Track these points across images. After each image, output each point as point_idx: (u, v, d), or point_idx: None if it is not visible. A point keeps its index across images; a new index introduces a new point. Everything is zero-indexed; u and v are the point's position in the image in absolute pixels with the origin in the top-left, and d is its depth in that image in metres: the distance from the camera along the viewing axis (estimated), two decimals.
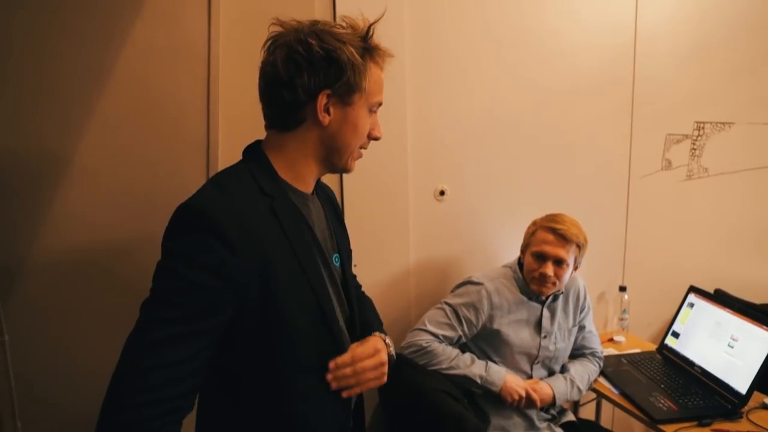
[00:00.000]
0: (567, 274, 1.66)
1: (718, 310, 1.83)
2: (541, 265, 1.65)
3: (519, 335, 1.68)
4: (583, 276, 1.82)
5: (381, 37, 0.96)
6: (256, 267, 0.84)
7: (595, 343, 1.84)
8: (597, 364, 1.81)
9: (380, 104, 0.99)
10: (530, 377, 1.71)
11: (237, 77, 1.55)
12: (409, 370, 1.58)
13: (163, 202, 1.07)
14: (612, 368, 1.87)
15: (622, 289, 2.21)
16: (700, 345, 1.83)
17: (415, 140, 1.84)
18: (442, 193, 1.92)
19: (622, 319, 2.21)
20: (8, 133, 1.43)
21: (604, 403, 2.04)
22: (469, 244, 2.00)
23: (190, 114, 1.57)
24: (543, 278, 1.64)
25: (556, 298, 1.73)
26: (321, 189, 1.10)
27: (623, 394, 1.72)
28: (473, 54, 1.89)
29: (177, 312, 0.78)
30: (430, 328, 1.65)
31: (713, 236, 2.40)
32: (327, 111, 0.92)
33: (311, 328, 0.93)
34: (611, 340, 2.15)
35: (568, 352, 1.80)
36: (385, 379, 1.02)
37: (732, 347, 1.71)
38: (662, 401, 1.64)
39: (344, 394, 0.97)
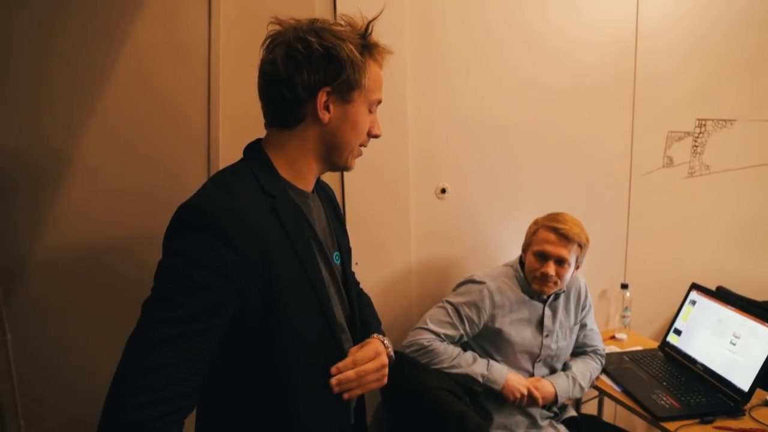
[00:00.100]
0: (568, 273, 1.66)
1: (720, 307, 1.83)
2: (542, 264, 1.65)
3: (521, 334, 1.68)
4: (584, 274, 1.82)
5: (381, 35, 0.96)
6: (257, 266, 0.84)
7: (597, 340, 1.84)
8: (599, 362, 1.80)
9: (380, 102, 0.99)
10: (532, 375, 1.71)
11: (238, 76, 1.55)
12: (410, 369, 1.58)
13: (164, 200, 1.07)
14: (614, 366, 1.87)
15: (624, 286, 2.20)
16: (703, 342, 1.83)
17: (416, 138, 1.84)
18: (443, 191, 1.92)
19: (624, 317, 2.20)
20: (10, 133, 1.43)
21: (606, 401, 2.04)
22: (471, 242, 2.00)
23: (190, 112, 1.57)
24: (544, 278, 1.64)
25: (557, 296, 1.73)
26: (320, 187, 1.10)
27: (625, 391, 1.72)
28: (474, 51, 1.89)
29: (179, 311, 0.78)
30: (431, 327, 1.65)
31: (715, 233, 2.40)
32: (327, 108, 0.92)
33: (312, 327, 0.93)
34: (613, 337, 2.15)
35: (569, 351, 1.80)
36: (386, 380, 1.02)
37: (734, 345, 1.70)
38: (664, 399, 1.63)
39: (345, 396, 0.97)
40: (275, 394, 0.92)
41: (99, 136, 1.49)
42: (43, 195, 1.48)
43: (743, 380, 1.61)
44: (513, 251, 1.84)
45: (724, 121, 2.31)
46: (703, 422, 1.52)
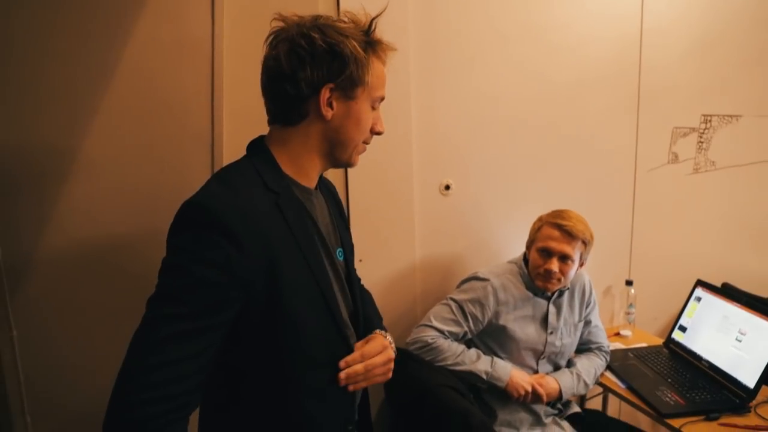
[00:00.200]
0: (572, 270, 1.65)
1: (725, 303, 1.82)
2: (546, 261, 1.64)
3: (525, 331, 1.68)
4: (589, 270, 1.81)
5: (385, 32, 0.96)
6: (261, 263, 0.84)
7: (602, 337, 1.83)
8: (603, 359, 1.80)
9: (383, 99, 0.99)
10: (536, 372, 1.71)
11: (241, 73, 1.55)
12: (414, 365, 1.58)
13: (167, 197, 1.07)
14: (619, 362, 1.86)
15: (629, 283, 2.20)
16: (708, 339, 1.82)
17: (420, 135, 1.83)
18: (447, 187, 1.91)
19: (628, 314, 2.20)
20: (13, 130, 1.44)
21: (611, 397, 2.03)
22: (475, 239, 2.00)
23: (194, 109, 1.57)
24: (548, 274, 1.63)
25: (561, 293, 1.72)
26: (323, 184, 1.10)
27: (630, 388, 1.71)
28: (478, 47, 1.88)
29: (183, 309, 0.78)
30: (435, 324, 1.65)
31: (720, 230, 2.39)
32: (330, 105, 0.91)
33: (316, 323, 0.93)
34: (618, 334, 2.14)
35: (574, 348, 1.79)
36: (391, 374, 1.03)
37: (740, 341, 1.70)
38: (669, 395, 1.63)
39: (351, 388, 0.97)
40: (279, 389, 0.92)
41: (102, 133, 1.50)
42: (48, 192, 1.48)
43: (749, 377, 1.60)
44: (517, 248, 1.84)
45: (730, 116, 2.30)
46: (708, 419, 1.52)
